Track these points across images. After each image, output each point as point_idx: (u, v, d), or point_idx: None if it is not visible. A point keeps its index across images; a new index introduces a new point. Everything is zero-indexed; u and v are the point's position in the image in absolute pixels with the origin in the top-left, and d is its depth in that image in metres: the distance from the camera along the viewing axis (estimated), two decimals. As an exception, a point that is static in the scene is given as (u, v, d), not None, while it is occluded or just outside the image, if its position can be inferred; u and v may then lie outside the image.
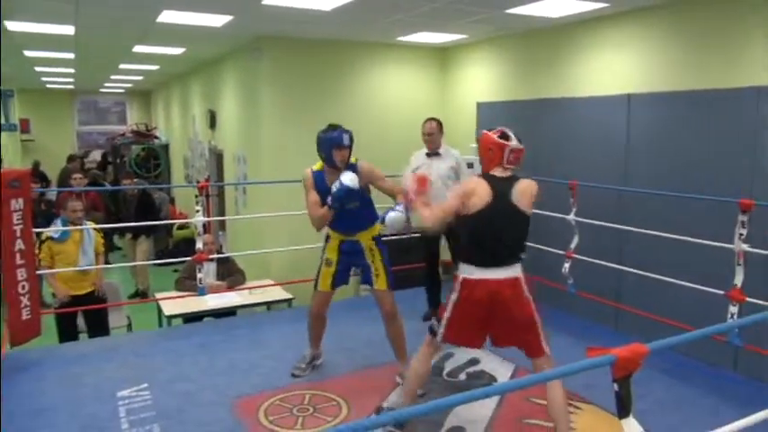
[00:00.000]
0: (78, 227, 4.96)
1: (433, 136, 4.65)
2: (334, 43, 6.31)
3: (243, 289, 5.41)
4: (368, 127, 6.54)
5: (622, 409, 1.37)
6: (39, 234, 4.79)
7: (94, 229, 5.19)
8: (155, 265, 7.25)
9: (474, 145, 5.98)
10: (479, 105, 6.25)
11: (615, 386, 1.38)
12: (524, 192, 2.82)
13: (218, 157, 8.74)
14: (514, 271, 2.82)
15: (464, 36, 6.06)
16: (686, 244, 3.87)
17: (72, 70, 10.18)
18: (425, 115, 7.05)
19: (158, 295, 5.37)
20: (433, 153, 4.66)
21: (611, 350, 1.37)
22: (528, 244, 5.14)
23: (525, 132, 5.62)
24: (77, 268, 4.91)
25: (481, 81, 6.36)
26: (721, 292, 3.63)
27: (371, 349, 4.31)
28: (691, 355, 3.87)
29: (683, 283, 3.86)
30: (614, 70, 4.84)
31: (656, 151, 4.48)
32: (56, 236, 4.89)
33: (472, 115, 6.33)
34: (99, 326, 5.18)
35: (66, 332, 5.07)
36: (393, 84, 6.74)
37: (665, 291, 4.06)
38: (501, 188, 2.77)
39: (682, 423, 3.00)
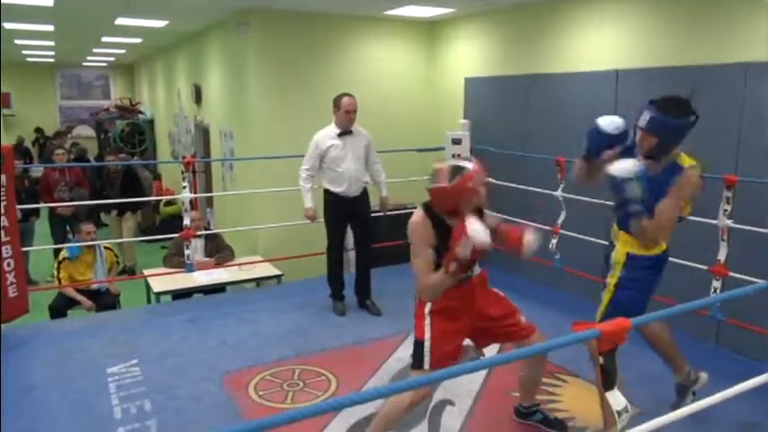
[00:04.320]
0: (91, 242, 5.22)
1: (356, 113, 4.32)
2: (321, 16, 6.22)
3: (232, 265, 5.41)
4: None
5: (607, 382, 1.40)
6: (56, 254, 5.30)
7: (106, 247, 5.46)
8: (142, 241, 7.21)
9: (463, 120, 5.98)
10: (467, 81, 6.22)
11: (600, 359, 1.41)
12: None
13: (204, 133, 8.64)
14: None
15: (452, 10, 6.00)
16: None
17: (52, 43, 9.95)
18: (414, 90, 7.06)
19: (146, 272, 5.36)
20: (347, 132, 4.35)
21: (597, 325, 1.39)
22: (515, 219, 5.20)
23: (513, 107, 5.68)
24: (91, 286, 5.21)
25: (469, 56, 6.31)
26: (705, 267, 3.69)
27: (360, 325, 4.35)
28: (675, 329, 3.94)
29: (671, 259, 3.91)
30: (602, 46, 4.82)
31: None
32: (68, 254, 5.14)
33: (460, 90, 6.30)
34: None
35: (58, 312, 5.10)
36: (381, 58, 6.68)
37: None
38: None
39: (664, 395, 3.07)
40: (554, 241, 4.71)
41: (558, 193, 4.65)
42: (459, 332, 2.62)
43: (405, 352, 3.90)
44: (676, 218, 2.63)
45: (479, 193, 2.45)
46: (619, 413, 1.39)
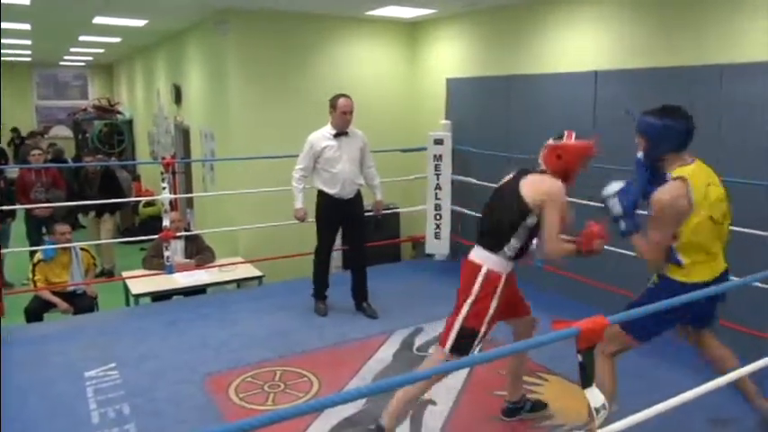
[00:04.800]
0: (65, 245, 5.12)
1: (352, 114, 4.28)
2: (302, 16, 6.20)
3: (212, 267, 5.36)
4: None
5: (586, 379, 1.42)
6: (32, 256, 5.14)
7: (82, 248, 5.36)
8: (120, 243, 7.12)
9: (444, 121, 6.00)
10: (449, 81, 6.25)
11: (579, 357, 1.42)
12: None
13: (184, 133, 8.56)
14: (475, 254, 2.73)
15: (434, 11, 6.01)
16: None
17: (29, 42, 9.79)
18: (395, 91, 7.07)
19: (125, 274, 5.29)
20: (342, 133, 4.31)
21: (575, 323, 1.40)
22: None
23: (494, 108, 5.71)
24: (67, 288, 5.10)
25: (451, 57, 6.34)
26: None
27: (342, 326, 4.34)
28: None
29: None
30: (581, 47, 4.87)
31: (621, 127, 4.54)
32: (43, 256, 5.04)
33: (441, 91, 6.33)
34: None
35: (35, 315, 5.01)
36: (362, 59, 6.67)
37: (629, 264, 4.16)
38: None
39: (642, 391, 3.08)
40: (535, 240, 4.74)
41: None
42: (496, 318, 2.70)
43: (386, 352, 3.91)
44: (666, 237, 2.47)
45: (588, 161, 2.66)
46: (597, 410, 1.40)
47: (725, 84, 3.83)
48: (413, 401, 2.80)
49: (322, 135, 4.31)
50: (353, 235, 4.55)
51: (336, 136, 4.29)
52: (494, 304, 2.61)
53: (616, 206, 2.59)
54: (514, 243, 2.62)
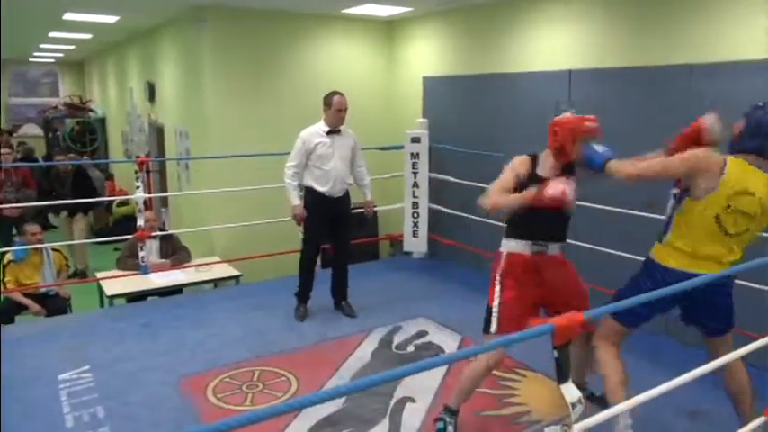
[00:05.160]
0: (37, 246, 5.04)
1: (346, 112, 4.28)
2: (278, 14, 6.16)
3: (188, 267, 5.31)
4: (314, 100, 6.43)
5: (561, 375, 1.44)
6: (1, 257, 4.99)
7: (54, 249, 5.30)
8: (94, 243, 7.01)
9: (421, 119, 6.01)
10: (425, 79, 6.26)
11: (555, 353, 1.44)
12: None
13: (158, 132, 8.44)
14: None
15: (410, 9, 6.02)
16: (624, 216, 4.04)
17: (-4, 38, 9.55)
18: (372, 89, 7.06)
19: (99, 275, 5.20)
20: (335, 131, 4.30)
21: (550, 319, 1.42)
22: (472, 217, 5.26)
23: (470, 106, 5.74)
24: (39, 289, 5.04)
25: (427, 55, 6.35)
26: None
27: (320, 325, 4.33)
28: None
29: (620, 253, 4.03)
30: (556, 46, 4.92)
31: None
32: (13, 257, 4.95)
33: (418, 89, 6.34)
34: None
35: (6, 318, 4.90)
36: (339, 57, 6.65)
37: (604, 261, 4.22)
38: None
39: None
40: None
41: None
42: (527, 301, 2.72)
43: (365, 351, 3.91)
44: (664, 172, 2.50)
45: (586, 135, 2.70)
46: (573, 405, 1.42)
47: (695, 83, 3.90)
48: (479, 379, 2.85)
49: (315, 132, 4.28)
50: (340, 233, 4.51)
51: (329, 133, 4.27)
52: (498, 279, 2.76)
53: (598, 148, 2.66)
54: (508, 218, 2.83)
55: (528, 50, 5.17)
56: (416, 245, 5.80)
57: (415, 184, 5.70)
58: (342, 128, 4.31)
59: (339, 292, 4.57)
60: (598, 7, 4.57)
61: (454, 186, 5.55)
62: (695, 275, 2.34)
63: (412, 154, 5.67)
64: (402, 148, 5.77)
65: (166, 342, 4.03)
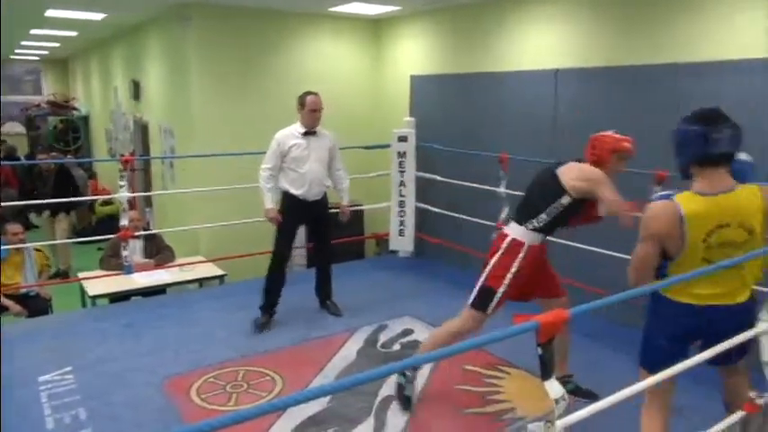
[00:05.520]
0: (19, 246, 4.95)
1: (321, 112, 4.16)
2: (265, 12, 6.12)
3: (172, 266, 5.26)
4: (300, 99, 6.43)
5: (545, 372, 1.44)
6: None
7: (36, 249, 5.22)
8: (76, 243, 6.92)
9: (408, 118, 6.01)
10: (413, 78, 6.26)
11: (539, 350, 1.44)
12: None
13: (143, 130, 8.36)
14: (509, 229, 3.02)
15: (398, 8, 6.02)
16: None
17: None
18: (359, 88, 7.05)
19: (81, 275, 5.14)
20: (311, 132, 4.17)
21: (535, 316, 1.42)
22: (455, 215, 5.27)
23: (458, 105, 5.75)
24: (20, 291, 4.94)
25: (414, 54, 6.35)
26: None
27: (304, 324, 4.31)
28: (610, 318, 4.09)
29: (602, 250, 4.06)
30: (542, 45, 4.94)
31: (581, 125, 4.60)
32: None
33: (405, 88, 6.34)
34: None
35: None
36: (326, 56, 6.63)
37: (587, 258, 4.25)
38: None
39: (601, 381, 3.16)
40: (494, 235, 4.79)
41: (502, 189, 4.73)
42: (524, 287, 2.99)
43: (350, 350, 3.90)
44: (646, 264, 2.27)
45: (625, 160, 2.89)
46: (557, 401, 1.42)
47: (680, 82, 3.93)
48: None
49: (290, 133, 4.17)
50: (319, 235, 4.47)
51: (305, 135, 4.16)
52: (514, 268, 2.90)
53: None
54: (544, 217, 2.89)
55: (515, 50, 5.18)
56: (403, 244, 5.80)
57: (402, 183, 5.70)
58: (318, 129, 4.20)
59: (323, 291, 4.55)
60: (584, 7, 4.59)
61: (441, 185, 5.55)
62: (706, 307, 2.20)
63: (399, 153, 5.66)
64: (389, 146, 5.76)
65: (150, 342, 3.99)
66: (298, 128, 4.18)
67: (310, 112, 4.12)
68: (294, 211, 4.23)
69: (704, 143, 2.09)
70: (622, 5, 4.32)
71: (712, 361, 2.24)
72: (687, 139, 2.15)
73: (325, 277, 4.55)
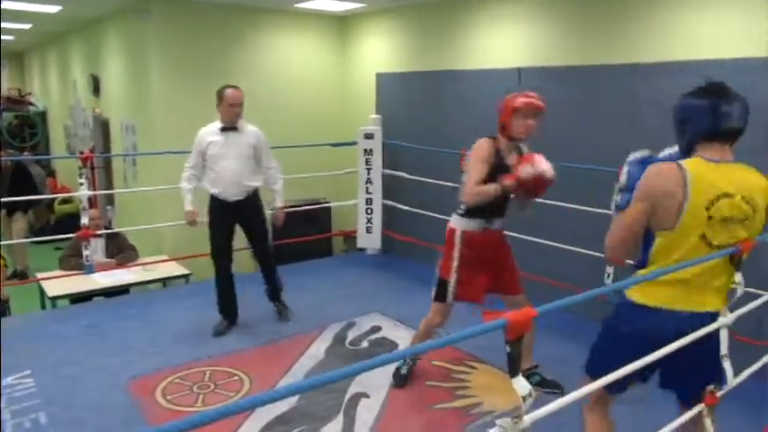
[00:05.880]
0: None
1: (241, 107, 3.91)
2: (229, 7, 6.04)
3: (135, 266, 5.16)
4: (266, 96, 6.35)
5: (513, 369, 1.46)
6: None
7: None
8: (34, 242, 6.72)
9: (374, 115, 6.01)
10: (379, 76, 6.26)
11: (507, 347, 1.46)
12: None
13: (103, 126, 8.15)
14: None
15: (363, 5, 6.00)
16: (571, 211, 4.14)
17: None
18: (325, 85, 7.02)
19: (40, 275, 4.99)
20: (231, 128, 3.94)
21: (504, 314, 1.44)
22: (422, 212, 5.29)
23: (423, 103, 5.78)
24: None
25: (381, 51, 6.35)
26: (602, 255, 3.92)
27: (273, 323, 4.28)
28: (579, 313, 4.17)
29: (568, 247, 4.14)
30: (506, 44, 5.00)
31: (544, 124, 4.70)
32: None
33: (372, 86, 6.34)
34: None
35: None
36: (291, 52, 6.57)
37: (554, 255, 4.33)
38: None
39: (569, 376, 3.23)
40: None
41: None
42: (479, 275, 3.05)
43: (319, 348, 3.89)
44: (630, 232, 2.03)
45: (527, 117, 2.89)
46: (524, 398, 1.45)
47: (638, 82, 4.03)
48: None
49: (210, 129, 3.95)
50: (251, 238, 4.19)
51: (223, 131, 3.91)
52: (456, 256, 3.03)
53: (623, 175, 2.15)
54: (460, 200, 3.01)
55: (480, 48, 5.23)
56: (370, 241, 5.81)
57: (369, 180, 5.70)
58: (240, 124, 3.95)
59: (271, 294, 4.35)
60: (548, 6, 4.66)
61: (408, 182, 5.58)
62: (688, 317, 1.98)
63: (365, 150, 5.67)
64: (355, 144, 5.75)
65: (113, 343, 3.91)
66: (217, 124, 3.96)
67: (229, 106, 3.86)
68: (219, 212, 4.03)
69: (714, 117, 1.90)
70: (583, 5, 4.40)
71: (669, 387, 2.14)
72: (694, 113, 1.94)
73: (268, 281, 4.32)
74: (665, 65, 3.86)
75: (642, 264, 2.06)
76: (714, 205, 1.88)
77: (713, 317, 2.01)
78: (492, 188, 2.85)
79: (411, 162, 5.69)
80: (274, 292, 4.36)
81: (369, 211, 5.75)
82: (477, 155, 2.94)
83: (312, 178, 5.99)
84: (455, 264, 3.04)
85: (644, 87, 3.99)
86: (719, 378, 2.08)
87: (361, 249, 5.94)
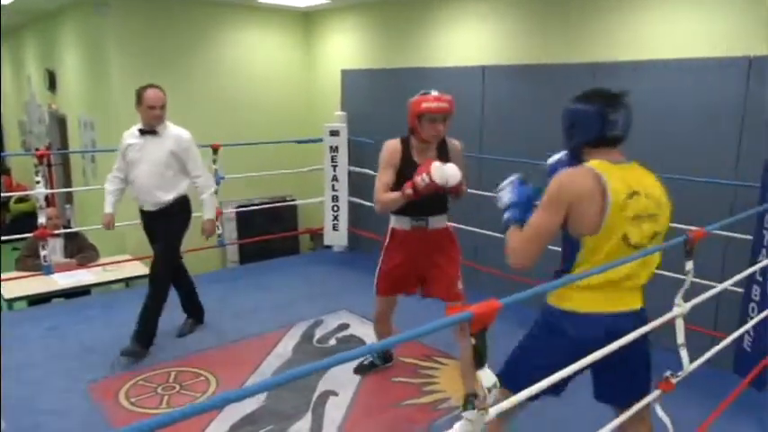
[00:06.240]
0: None
1: (162, 110, 3.61)
2: (190, 2, 5.93)
3: (96, 266, 5.04)
4: (229, 92, 6.28)
5: (479, 361, 1.48)
6: None
7: None
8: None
9: (339, 112, 6.00)
10: (344, 72, 6.25)
11: (472, 340, 1.48)
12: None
13: (60, 122, 7.93)
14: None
15: (327, 1, 5.98)
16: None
17: None
18: (290, 81, 6.97)
19: (-5, 277, 4.83)
20: (150, 131, 3.64)
21: (468, 307, 1.46)
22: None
23: (388, 100, 5.79)
24: None
25: (345, 48, 6.34)
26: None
27: (238, 322, 4.24)
28: (541, 307, 4.25)
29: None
30: (470, 42, 5.06)
31: (507, 121, 4.78)
32: None
33: (337, 82, 6.32)
34: None
35: None
36: (254, 48, 6.50)
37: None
38: None
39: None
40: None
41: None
42: (403, 270, 3.06)
43: (286, 346, 3.87)
44: (536, 244, 1.98)
45: (433, 121, 2.87)
46: (489, 390, 1.47)
47: (598, 82, 4.12)
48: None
49: (132, 131, 3.69)
50: (156, 251, 3.88)
51: (142, 134, 3.64)
52: (383, 250, 3.13)
53: (506, 195, 2.15)
54: None
55: (444, 46, 5.27)
56: (337, 238, 5.80)
57: (335, 178, 5.69)
58: (161, 128, 3.63)
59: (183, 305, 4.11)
60: (512, 5, 4.73)
61: (373, 179, 5.54)
62: (616, 316, 1.95)
63: (331, 147, 5.65)
64: (321, 141, 5.73)
65: (74, 346, 3.82)
66: (138, 126, 3.70)
67: (148, 108, 3.56)
68: (142, 219, 3.87)
69: (601, 125, 1.95)
70: (545, 4, 4.48)
71: (606, 397, 2.11)
72: (582, 118, 2.00)
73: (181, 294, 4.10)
74: (620, 64, 3.96)
75: (566, 271, 2.01)
76: (628, 204, 1.86)
77: (641, 315, 2.01)
78: (398, 196, 2.83)
79: (376, 159, 5.66)
80: (186, 307, 4.11)
81: (335, 209, 5.74)
82: (382, 158, 3.00)
83: (278, 175, 5.95)
84: (381, 257, 3.13)
85: (603, 86, 4.08)
86: (648, 385, 2.09)
87: (328, 247, 5.93)
